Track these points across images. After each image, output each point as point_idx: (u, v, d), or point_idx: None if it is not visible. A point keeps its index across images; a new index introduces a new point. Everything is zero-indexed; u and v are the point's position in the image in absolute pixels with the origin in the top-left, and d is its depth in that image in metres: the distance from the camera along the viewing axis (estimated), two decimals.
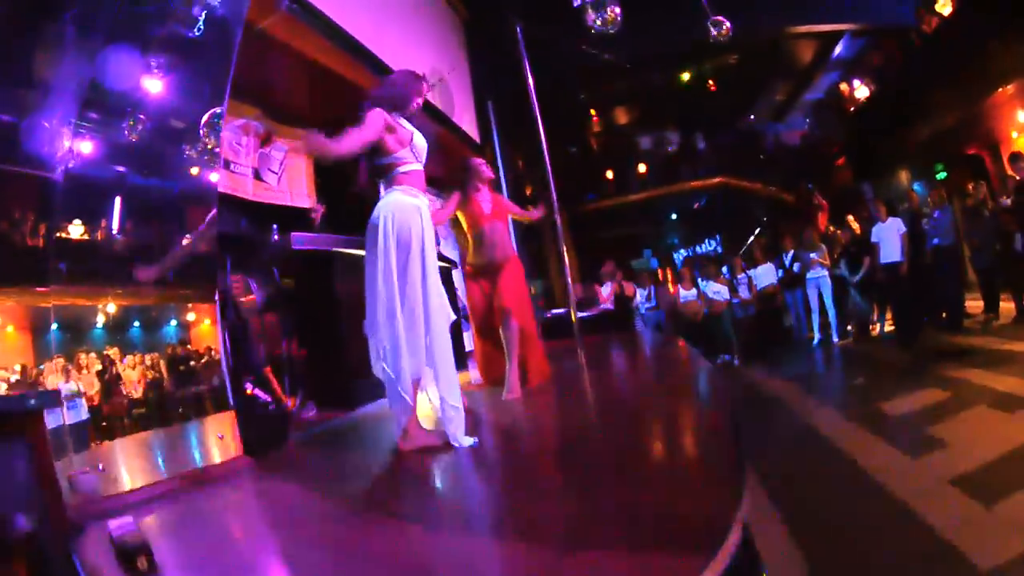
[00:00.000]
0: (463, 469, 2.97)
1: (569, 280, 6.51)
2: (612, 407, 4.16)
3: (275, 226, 5.61)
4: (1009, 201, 8.26)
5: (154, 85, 3.66)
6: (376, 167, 3.37)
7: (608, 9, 6.81)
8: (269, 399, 4.28)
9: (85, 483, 3.01)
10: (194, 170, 3.81)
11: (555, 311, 11.09)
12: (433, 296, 3.20)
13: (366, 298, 3.24)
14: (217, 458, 3.58)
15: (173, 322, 4.10)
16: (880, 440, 5.19)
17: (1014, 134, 12.93)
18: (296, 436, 4.22)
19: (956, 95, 13.05)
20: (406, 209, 3.21)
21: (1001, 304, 9.60)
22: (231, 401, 3.74)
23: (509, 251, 4.91)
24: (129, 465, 3.51)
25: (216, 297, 3.86)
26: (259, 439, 3.70)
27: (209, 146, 3.67)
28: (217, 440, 3.76)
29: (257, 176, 6.46)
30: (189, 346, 4.07)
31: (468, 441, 3.14)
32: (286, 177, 6.86)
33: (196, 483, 3.21)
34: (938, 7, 13.28)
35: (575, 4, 6.64)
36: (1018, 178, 7.54)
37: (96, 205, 3.54)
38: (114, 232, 3.56)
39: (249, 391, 4.08)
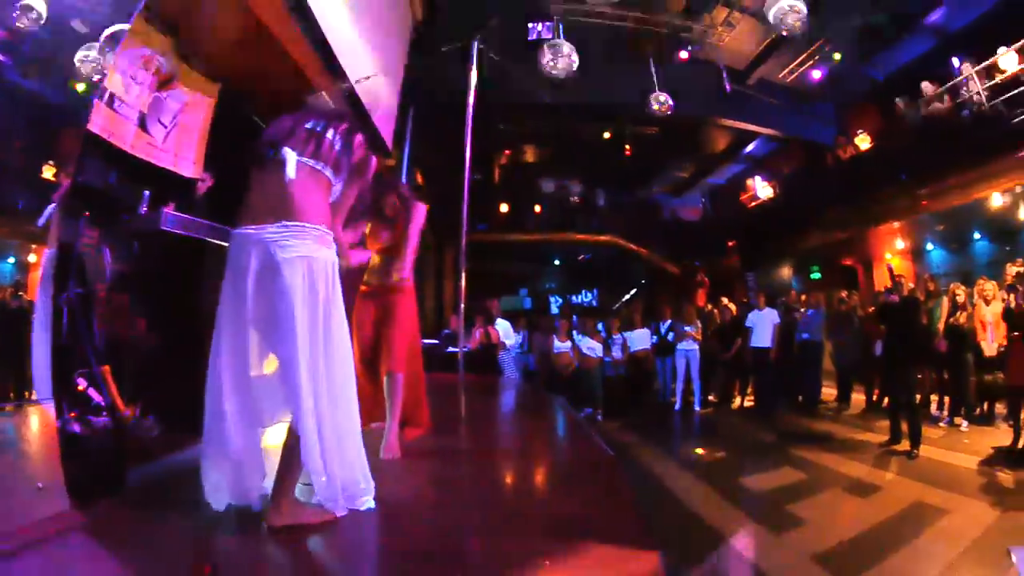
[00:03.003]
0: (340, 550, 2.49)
1: (461, 317, 5.96)
2: (509, 489, 3.59)
3: (147, 192, 4.68)
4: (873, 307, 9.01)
5: None
6: None
7: (566, 55, 6.71)
8: (103, 403, 3.43)
9: None
10: (80, 87, 3.22)
11: (424, 341, 10.78)
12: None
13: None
14: (38, 511, 2.57)
15: (11, 259, 3.49)
16: (744, 515, 5.37)
17: (888, 255, 14.76)
18: (136, 473, 3.25)
19: (849, 216, 14.64)
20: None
21: (852, 396, 10.69)
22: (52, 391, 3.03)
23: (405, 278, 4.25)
24: None
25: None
26: (90, 478, 2.84)
27: (102, 66, 3.11)
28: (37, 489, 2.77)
29: (142, 125, 5.22)
30: (23, 294, 3.47)
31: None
32: (175, 135, 5.72)
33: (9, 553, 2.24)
34: (857, 140, 15.04)
35: (530, 38, 6.45)
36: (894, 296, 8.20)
37: None
38: None
39: (81, 387, 3.30)
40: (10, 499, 2.65)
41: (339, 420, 2.60)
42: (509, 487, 3.50)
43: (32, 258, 3.58)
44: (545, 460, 4.43)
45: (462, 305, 5.69)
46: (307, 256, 2.49)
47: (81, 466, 2.76)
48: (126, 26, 3.20)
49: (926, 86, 12.70)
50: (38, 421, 3.32)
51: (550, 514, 2.95)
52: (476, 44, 5.70)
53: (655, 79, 11.95)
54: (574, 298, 23.31)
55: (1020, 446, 6.60)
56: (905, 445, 7.12)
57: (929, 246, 14.34)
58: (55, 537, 2.39)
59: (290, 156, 2.57)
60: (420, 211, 4.28)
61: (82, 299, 3.70)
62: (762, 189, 18.95)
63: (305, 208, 2.53)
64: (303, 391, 2.43)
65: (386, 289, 4.14)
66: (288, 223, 2.48)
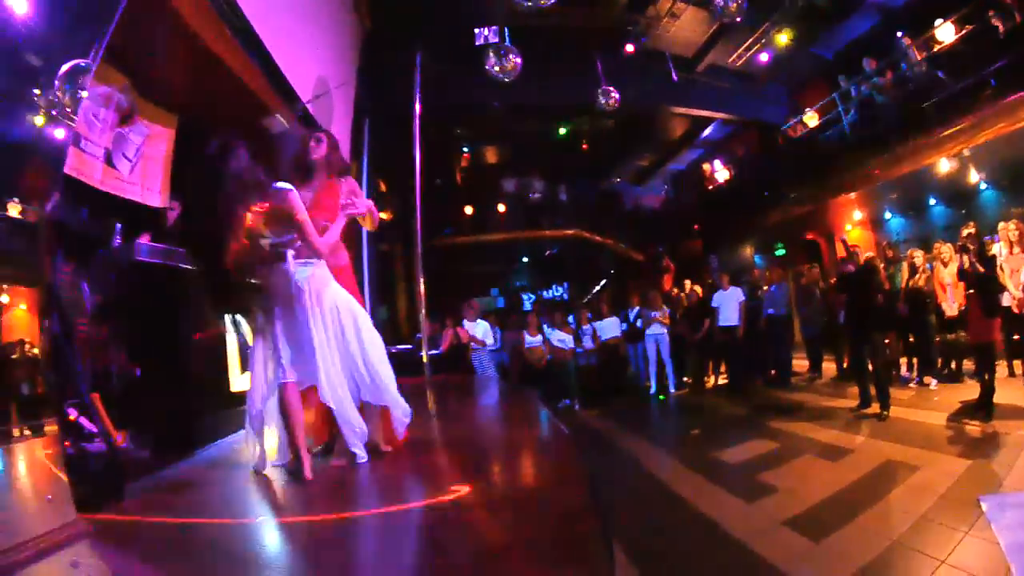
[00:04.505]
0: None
1: (423, 317, 5.96)
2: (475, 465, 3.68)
3: (119, 225, 4.88)
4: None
5: (19, 3, 3.14)
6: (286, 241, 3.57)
7: (510, 58, 6.90)
8: (95, 430, 3.67)
9: None
10: (39, 120, 3.25)
11: (399, 347, 10.90)
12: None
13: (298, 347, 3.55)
14: (45, 523, 2.72)
15: None
16: (717, 487, 5.50)
17: (848, 227, 15.02)
18: (131, 487, 3.39)
19: (805, 191, 15.04)
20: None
21: (824, 365, 10.87)
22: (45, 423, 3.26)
23: (340, 258, 4.05)
24: None
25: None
26: (92, 490, 3.00)
27: (63, 101, 3.16)
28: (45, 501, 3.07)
29: (109, 161, 5.44)
30: None
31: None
32: (141, 167, 5.87)
33: (27, 560, 2.39)
34: (806, 118, 15.54)
35: (477, 43, 6.57)
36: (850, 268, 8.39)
37: None
38: None
39: (72, 417, 3.35)
40: (24, 511, 2.97)
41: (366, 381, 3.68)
42: (476, 464, 3.68)
43: (4, 299, 3.63)
44: (506, 440, 4.61)
45: (423, 310, 5.80)
46: (311, 277, 3.57)
47: (84, 482, 2.94)
48: (82, 61, 3.26)
49: (867, 62, 13.18)
50: (36, 447, 3.45)
51: (507, 484, 3.24)
52: (419, 54, 5.82)
53: (601, 74, 12.13)
54: (545, 293, 23.36)
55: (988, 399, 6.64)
56: (875, 408, 7.27)
57: (887, 215, 14.63)
58: (65, 542, 2.58)
59: (290, 256, 3.57)
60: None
61: (65, 332, 3.81)
62: (720, 172, 19.35)
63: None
64: (320, 369, 3.47)
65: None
66: (299, 260, 3.58)
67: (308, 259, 3.59)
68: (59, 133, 3.38)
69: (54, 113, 3.28)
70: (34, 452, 3.54)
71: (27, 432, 3.53)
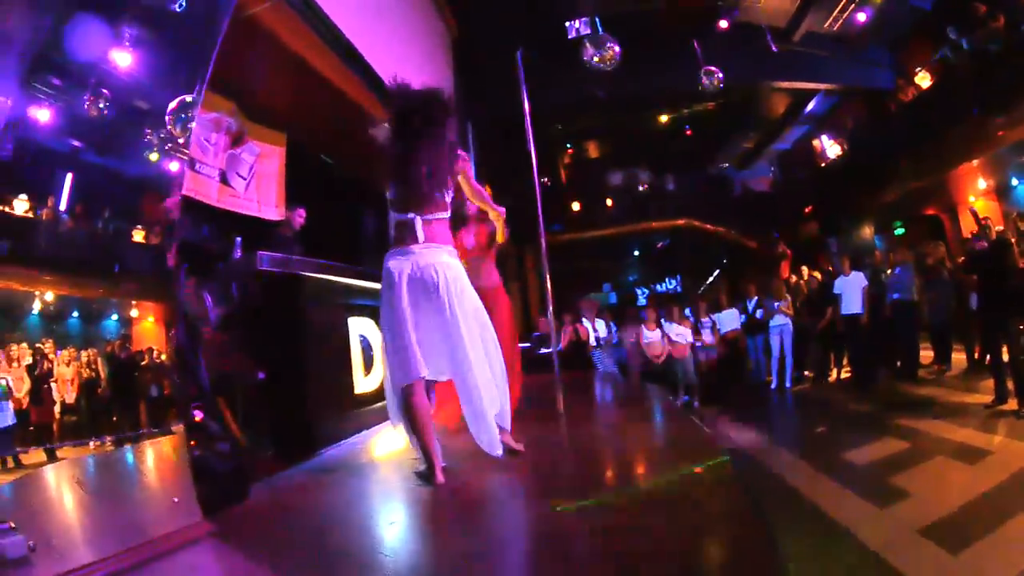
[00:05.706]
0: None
1: (551, 315, 5.87)
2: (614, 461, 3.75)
3: (239, 239, 5.16)
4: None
5: (123, 58, 3.38)
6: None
7: (607, 47, 6.78)
8: (219, 430, 3.73)
9: (9, 547, 2.29)
10: (153, 156, 3.50)
11: (519, 344, 11.00)
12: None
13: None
14: (171, 523, 2.86)
15: (114, 316, 3.80)
16: (846, 490, 5.21)
17: (972, 198, 13.89)
18: (255, 488, 3.45)
19: (924, 161, 13.71)
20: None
21: (953, 356, 9.93)
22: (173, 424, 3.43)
23: (494, 281, 4.85)
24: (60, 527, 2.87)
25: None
26: (217, 491, 3.11)
27: (175, 135, 3.38)
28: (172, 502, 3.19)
29: (224, 180, 5.92)
30: (130, 345, 3.78)
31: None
32: (255, 184, 6.29)
33: (149, 559, 2.50)
34: (918, 79, 14.22)
35: (570, 36, 6.49)
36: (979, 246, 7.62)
37: (45, 179, 3.20)
38: (61, 211, 3.23)
39: (198, 418, 3.58)
40: (151, 511, 3.10)
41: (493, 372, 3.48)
42: (617, 465, 3.69)
43: (134, 313, 3.89)
44: (641, 435, 4.55)
45: (550, 308, 5.79)
46: (440, 262, 3.36)
47: (208, 483, 3.04)
48: (188, 96, 3.46)
49: (978, 7, 11.72)
50: (162, 448, 3.66)
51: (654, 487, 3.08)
52: (520, 51, 5.80)
53: (700, 55, 11.74)
54: (658, 287, 23.08)
55: None
56: (1013, 404, 6.74)
57: (1014, 181, 13.42)
58: (190, 543, 2.68)
59: (418, 222, 3.38)
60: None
61: (190, 340, 4.05)
62: (830, 148, 18.29)
63: (436, 238, 3.41)
64: (460, 355, 3.31)
65: (482, 291, 4.14)
66: (428, 244, 3.38)
67: (440, 243, 3.44)
68: (174, 166, 3.62)
69: (167, 148, 3.49)
70: (162, 448, 3.75)
71: (155, 430, 3.74)
